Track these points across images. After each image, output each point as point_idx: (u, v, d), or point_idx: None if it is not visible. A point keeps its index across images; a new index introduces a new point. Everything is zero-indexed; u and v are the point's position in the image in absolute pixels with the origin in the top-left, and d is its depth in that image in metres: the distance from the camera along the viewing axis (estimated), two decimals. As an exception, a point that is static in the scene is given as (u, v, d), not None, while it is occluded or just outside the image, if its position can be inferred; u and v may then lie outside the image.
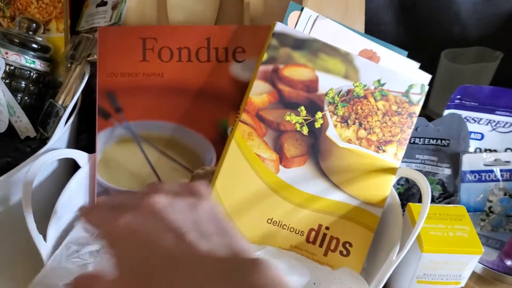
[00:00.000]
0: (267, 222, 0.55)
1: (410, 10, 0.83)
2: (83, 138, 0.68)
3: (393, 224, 0.55)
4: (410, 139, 0.56)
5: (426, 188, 0.50)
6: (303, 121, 0.55)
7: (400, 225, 0.53)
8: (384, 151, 0.56)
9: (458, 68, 0.79)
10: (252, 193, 0.54)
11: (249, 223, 0.54)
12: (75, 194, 0.56)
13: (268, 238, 0.55)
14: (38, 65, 0.63)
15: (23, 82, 0.62)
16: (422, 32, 0.84)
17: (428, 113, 0.76)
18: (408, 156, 0.65)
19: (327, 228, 0.55)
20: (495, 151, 0.66)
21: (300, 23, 0.57)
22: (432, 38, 0.83)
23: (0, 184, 0.51)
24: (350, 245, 0.55)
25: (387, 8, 0.83)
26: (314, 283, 0.51)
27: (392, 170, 0.56)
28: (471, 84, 0.67)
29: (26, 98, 0.63)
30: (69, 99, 0.61)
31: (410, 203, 0.54)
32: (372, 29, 0.65)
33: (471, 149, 0.67)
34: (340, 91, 0.55)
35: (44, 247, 0.48)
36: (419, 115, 0.57)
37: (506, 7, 0.79)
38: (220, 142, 0.58)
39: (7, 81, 0.61)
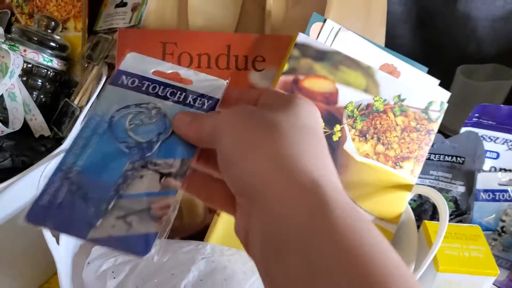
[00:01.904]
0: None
1: (427, 24, 0.83)
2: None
3: (407, 241, 0.54)
4: (425, 155, 0.56)
5: (443, 208, 0.50)
6: (321, 133, 0.55)
7: (415, 242, 0.53)
8: (401, 167, 0.55)
9: (473, 85, 0.79)
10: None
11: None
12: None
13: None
14: (56, 63, 0.63)
15: (40, 80, 0.62)
16: (438, 47, 0.83)
17: (440, 127, 0.76)
18: (423, 171, 0.65)
19: (340, 241, 0.55)
20: (510, 171, 0.66)
21: (322, 35, 0.57)
22: (448, 54, 0.83)
23: (15, 183, 0.50)
24: (363, 260, 0.55)
25: (404, 22, 0.83)
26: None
27: (408, 187, 0.55)
28: (485, 101, 0.67)
29: (42, 96, 0.63)
30: (84, 100, 0.60)
31: (425, 221, 0.54)
32: (388, 42, 0.65)
33: (486, 168, 0.67)
34: (360, 104, 0.55)
35: (56, 250, 0.47)
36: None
37: (523, 26, 0.79)
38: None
39: (24, 78, 0.60)
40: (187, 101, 0.35)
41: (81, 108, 0.58)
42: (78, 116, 0.58)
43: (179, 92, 0.35)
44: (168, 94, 0.35)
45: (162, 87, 0.35)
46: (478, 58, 0.82)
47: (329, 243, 0.24)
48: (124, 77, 0.35)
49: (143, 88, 0.35)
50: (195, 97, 0.35)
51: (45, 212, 0.30)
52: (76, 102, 0.60)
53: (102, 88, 0.58)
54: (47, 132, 0.60)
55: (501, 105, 0.65)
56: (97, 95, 0.57)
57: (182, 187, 0.32)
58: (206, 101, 0.35)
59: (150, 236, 0.30)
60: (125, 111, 0.34)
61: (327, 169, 0.29)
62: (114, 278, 0.48)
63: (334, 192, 0.26)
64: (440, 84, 0.59)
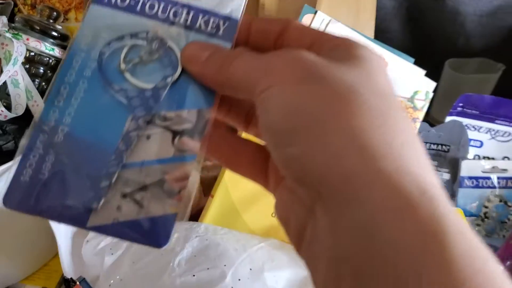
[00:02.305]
0: (272, 215, 0.57)
1: (417, 19, 0.85)
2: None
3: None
4: (412, 143, 0.59)
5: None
6: (311, 120, 0.57)
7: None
8: (387, 153, 0.58)
9: (461, 78, 0.82)
10: (258, 187, 0.56)
11: (255, 216, 0.56)
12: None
13: (272, 231, 0.57)
14: (57, 52, 0.65)
15: (42, 68, 0.64)
16: (427, 41, 0.86)
17: (429, 119, 0.79)
18: (409, 159, 0.67)
19: (328, 224, 0.58)
20: (493, 159, 0.69)
21: (313, 26, 0.59)
22: (437, 48, 0.85)
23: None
24: (350, 241, 0.57)
25: (394, 16, 0.86)
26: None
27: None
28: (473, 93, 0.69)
29: (44, 84, 0.65)
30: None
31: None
32: (379, 36, 0.67)
33: (470, 156, 0.69)
34: (348, 93, 0.58)
35: (57, 227, 0.50)
36: (421, 121, 0.59)
37: (510, 21, 0.81)
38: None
39: (26, 66, 0.62)
40: (197, 25, 0.26)
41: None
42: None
43: (185, 12, 0.26)
44: (171, 15, 0.26)
45: (162, 4, 0.26)
46: (466, 52, 0.85)
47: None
48: None
49: (138, 8, 0.26)
50: (206, 18, 0.26)
51: (27, 192, 0.23)
52: (76, 89, 0.63)
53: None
54: (48, 118, 0.63)
55: (485, 95, 0.68)
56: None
57: (202, 148, 0.25)
58: (221, 23, 0.26)
59: (168, 219, 0.23)
60: (117, 44, 0.26)
61: (427, 166, 0.20)
62: (112, 254, 0.50)
63: (447, 208, 0.19)
64: (429, 77, 0.62)
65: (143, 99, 0.25)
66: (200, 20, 0.26)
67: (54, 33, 0.65)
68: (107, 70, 0.25)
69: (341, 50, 0.23)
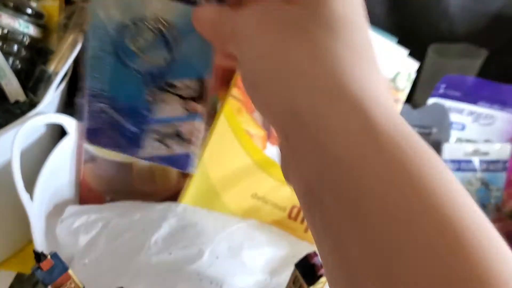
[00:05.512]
0: (251, 197, 0.56)
1: (400, 4, 0.85)
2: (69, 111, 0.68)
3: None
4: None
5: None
6: (292, 100, 0.56)
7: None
8: (369, 133, 0.57)
9: (443, 63, 0.81)
10: (238, 168, 0.55)
11: (234, 197, 0.56)
12: (61, 159, 0.57)
13: (252, 212, 0.56)
14: (32, 30, 0.63)
15: (16, 46, 0.62)
16: (410, 26, 0.85)
17: (412, 105, 0.78)
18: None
19: (309, 205, 0.57)
20: (475, 141, 0.69)
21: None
22: (420, 33, 0.85)
23: (-11, 142, 0.51)
24: (331, 223, 0.57)
25: (378, 2, 0.85)
26: (293, 256, 0.52)
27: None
28: (456, 78, 0.69)
29: (17, 62, 0.63)
30: (60, 66, 0.61)
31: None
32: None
33: (452, 139, 0.69)
34: (330, 72, 0.57)
35: (30, 206, 0.48)
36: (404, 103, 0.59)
37: (493, 7, 0.81)
38: (211, 117, 0.58)
39: (-1, 44, 0.61)
40: None
41: (57, 73, 0.59)
42: (53, 81, 0.58)
43: None
44: None
45: None
46: (449, 37, 0.84)
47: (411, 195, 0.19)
48: None
49: None
50: None
51: (100, 134, 0.33)
52: (51, 68, 0.61)
53: None
54: (22, 97, 0.61)
55: (467, 77, 0.68)
56: None
57: (206, 110, 0.32)
58: None
59: (188, 156, 0.34)
60: (125, 29, 0.30)
61: (374, 87, 0.23)
62: (87, 233, 0.49)
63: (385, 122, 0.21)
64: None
65: (153, 72, 0.31)
66: None
67: (29, 11, 0.63)
68: (122, 51, 0.31)
69: None
